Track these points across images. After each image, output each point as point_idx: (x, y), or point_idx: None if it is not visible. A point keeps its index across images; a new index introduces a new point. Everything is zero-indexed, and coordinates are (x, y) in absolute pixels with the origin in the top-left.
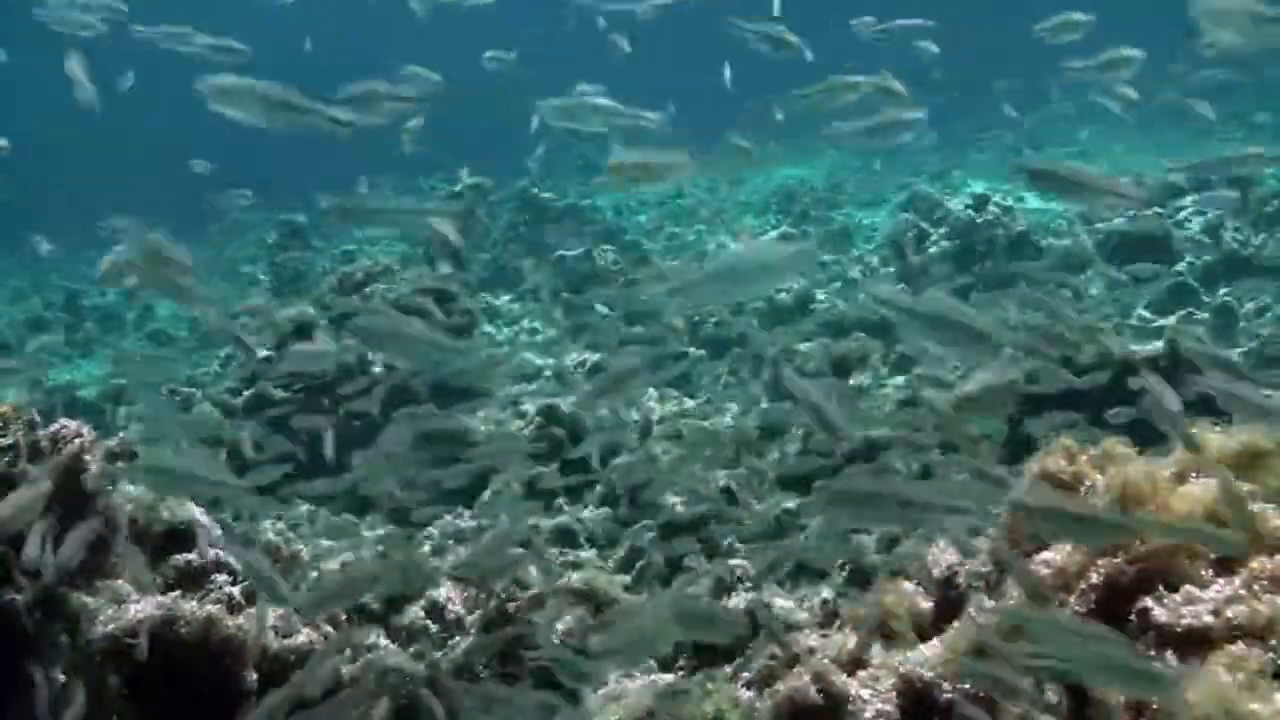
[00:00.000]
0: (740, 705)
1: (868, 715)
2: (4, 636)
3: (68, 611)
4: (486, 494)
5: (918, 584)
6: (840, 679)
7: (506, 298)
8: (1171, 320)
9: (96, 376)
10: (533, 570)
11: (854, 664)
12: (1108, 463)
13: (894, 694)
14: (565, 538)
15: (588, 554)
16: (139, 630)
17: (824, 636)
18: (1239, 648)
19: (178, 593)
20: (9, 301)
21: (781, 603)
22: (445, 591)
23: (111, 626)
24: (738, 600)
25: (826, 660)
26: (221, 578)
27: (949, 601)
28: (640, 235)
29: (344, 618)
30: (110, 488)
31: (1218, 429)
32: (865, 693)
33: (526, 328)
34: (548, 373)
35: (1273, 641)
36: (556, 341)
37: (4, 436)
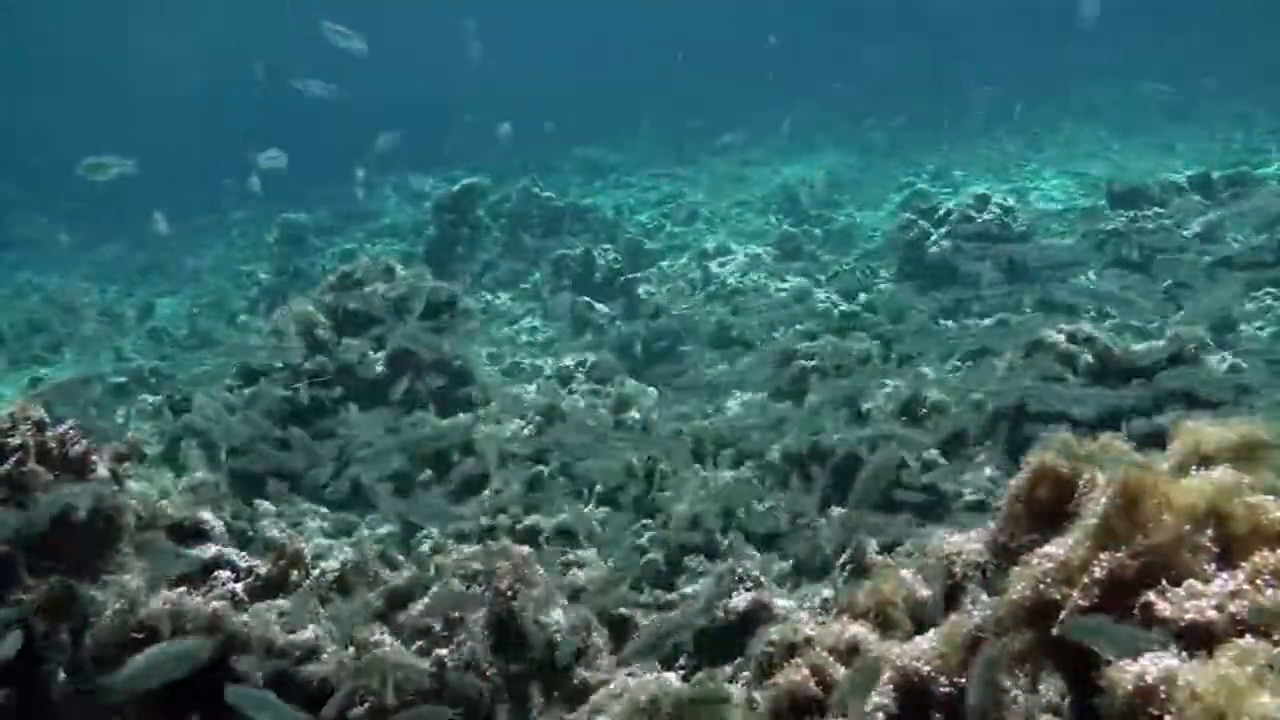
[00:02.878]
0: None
1: (866, 708)
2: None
3: (74, 611)
4: (487, 493)
5: (915, 572)
6: (839, 672)
7: (506, 297)
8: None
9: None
10: (539, 569)
11: (851, 653)
12: (1106, 457)
13: (891, 687)
14: (565, 537)
15: (589, 553)
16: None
17: (821, 624)
18: (1247, 641)
19: (184, 589)
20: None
21: (782, 603)
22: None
23: (119, 622)
24: (738, 600)
25: (824, 652)
26: (225, 574)
27: (945, 590)
28: (641, 235)
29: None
30: (116, 487)
31: (1216, 421)
32: None
33: (526, 327)
34: (547, 372)
35: (1276, 636)
36: (557, 341)
37: (12, 437)
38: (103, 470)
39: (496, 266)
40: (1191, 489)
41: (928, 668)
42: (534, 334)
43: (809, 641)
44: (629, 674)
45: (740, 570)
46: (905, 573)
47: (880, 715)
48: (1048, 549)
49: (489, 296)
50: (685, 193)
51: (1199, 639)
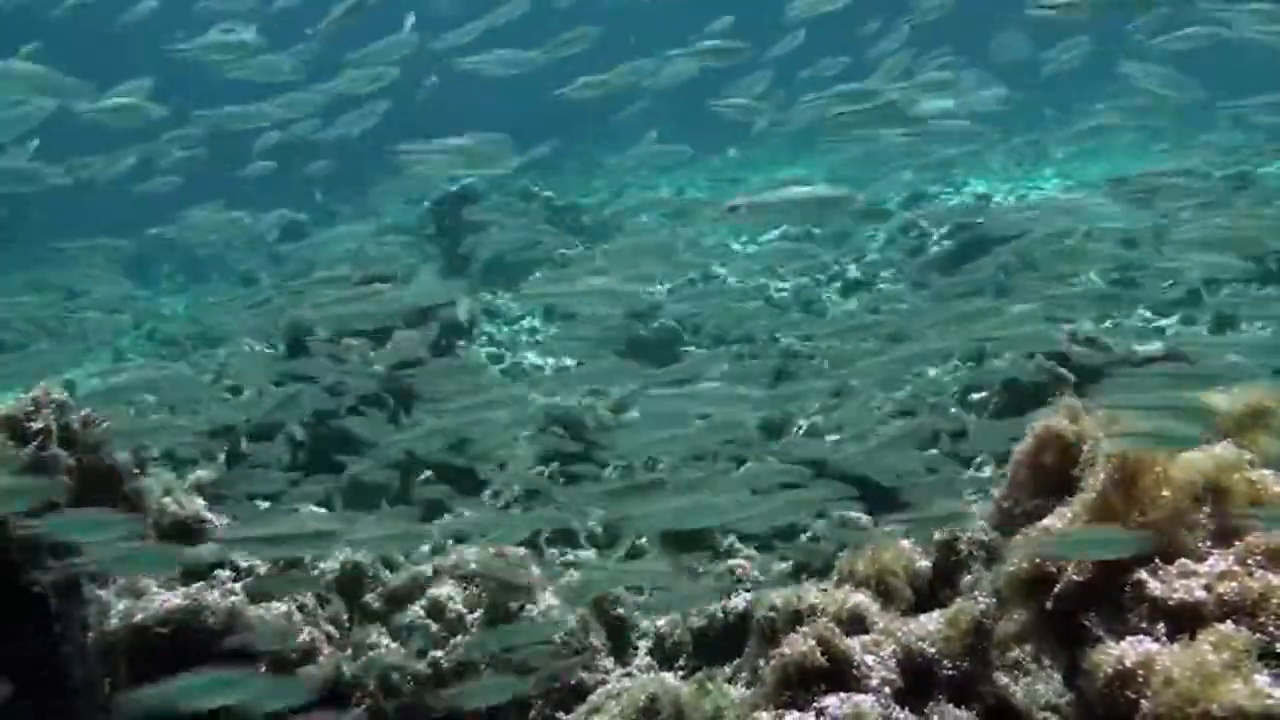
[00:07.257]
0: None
1: (873, 682)
2: (33, 615)
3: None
4: (486, 494)
5: (915, 542)
6: (844, 643)
7: (506, 296)
8: (1172, 321)
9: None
10: (534, 569)
11: (855, 622)
12: (1110, 425)
13: (895, 662)
14: (565, 537)
15: (587, 553)
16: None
17: (823, 591)
18: (1228, 627)
19: (201, 584)
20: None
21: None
22: (447, 590)
23: (140, 616)
24: (738, 601)
25: (829, 622)
26: (224, 573)
27: (947, 565)
28: (640, 235)
29: (346, 616)
30: (137, 471)
31: (1221, 391)
32: (869, 658)
33: (526, 327)
34: (547, 372)
35: (1260, 619)
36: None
37: (35, 420)
38: (124, 455)
39: (496, 266)
40: (1191, 464)
41: (932, 649)
42: (533, 334)
43: (813, 610)
44: (625, 674)
45: (739, 570)
46: (905, 542)
47: (887, 690)
48: (1046, 522)
49: (489, 296)
50: (686, 191)
51: (1187, 619)
